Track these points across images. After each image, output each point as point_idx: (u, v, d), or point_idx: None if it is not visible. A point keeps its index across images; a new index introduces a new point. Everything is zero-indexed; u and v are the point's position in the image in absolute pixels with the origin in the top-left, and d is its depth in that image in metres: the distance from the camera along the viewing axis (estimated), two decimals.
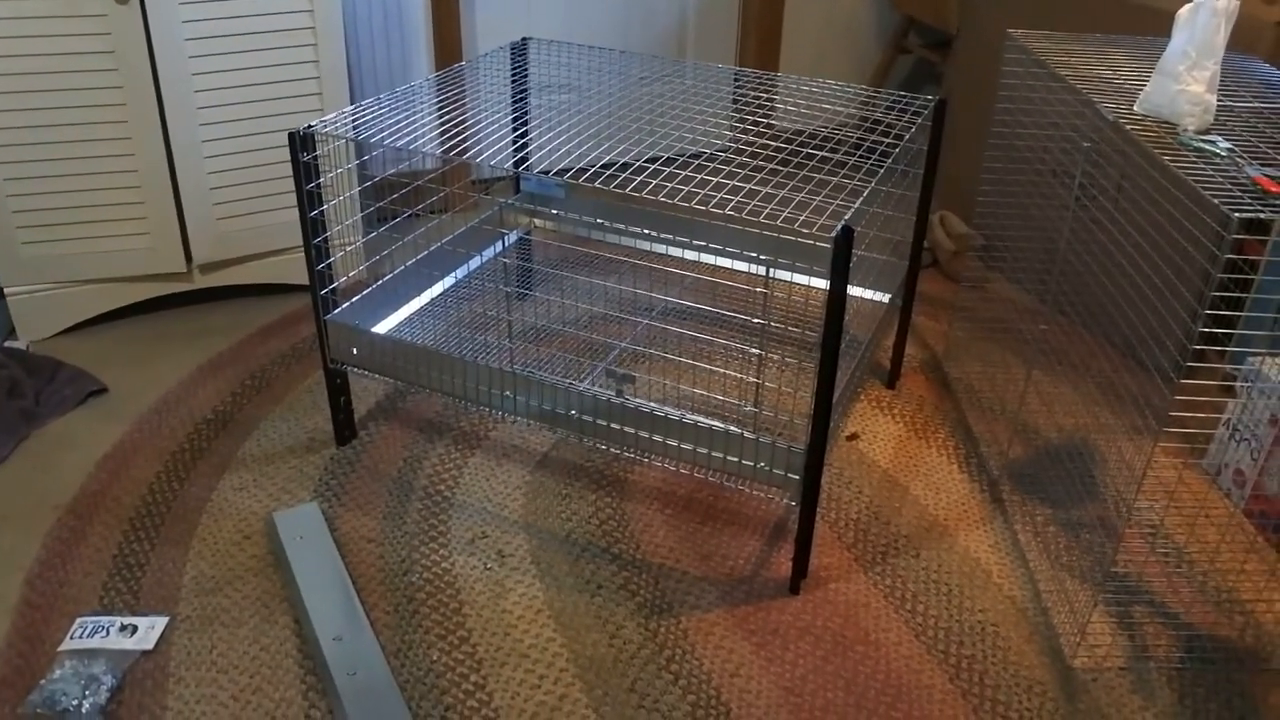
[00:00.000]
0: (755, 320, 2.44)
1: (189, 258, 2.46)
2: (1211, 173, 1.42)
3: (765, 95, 2.16)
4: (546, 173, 1.73)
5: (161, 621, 1.67)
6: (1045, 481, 2.07)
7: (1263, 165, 1.47)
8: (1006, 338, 2.52)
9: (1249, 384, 2.00)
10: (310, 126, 1.78)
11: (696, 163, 1.89)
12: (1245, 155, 1.50)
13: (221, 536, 1.85)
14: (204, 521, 1.89)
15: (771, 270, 2.22)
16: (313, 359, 2.37)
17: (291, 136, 1.76)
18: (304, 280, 2.61)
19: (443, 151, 1.74)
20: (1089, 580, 1.82)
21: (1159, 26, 2.27)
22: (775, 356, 2.41)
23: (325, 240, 1.88)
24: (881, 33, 3.55)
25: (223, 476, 2.00)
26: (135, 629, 1.65)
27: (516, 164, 2.30)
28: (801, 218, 1.50)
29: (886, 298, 2.14)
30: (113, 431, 2.12)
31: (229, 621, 1.67)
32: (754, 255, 2.20)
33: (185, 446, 2.08)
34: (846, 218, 1.48)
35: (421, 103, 1.98)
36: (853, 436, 2.18)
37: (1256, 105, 1.73)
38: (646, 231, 2.32)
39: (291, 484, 1.98)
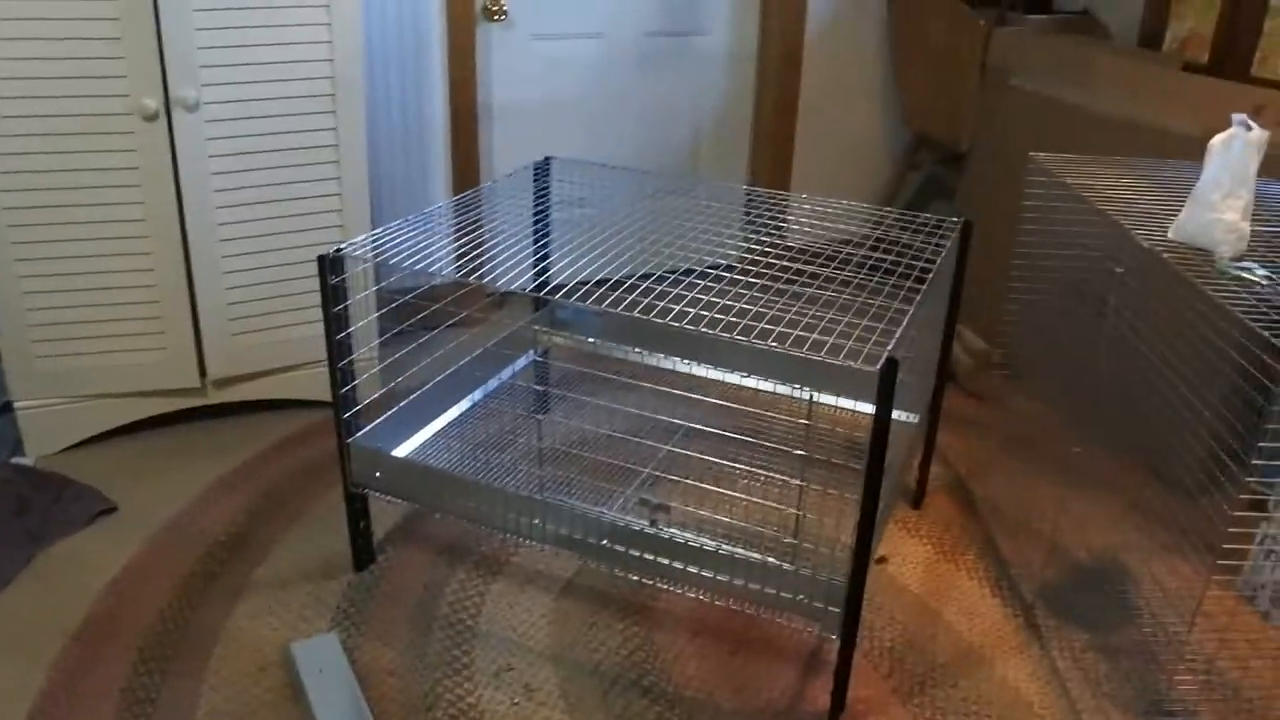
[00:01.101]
0: (797, 451, 2.41)
1: (203, 372, 2.43)
2: (1255, 302, 1.42)
3: (781, 214, 2.17)
4: (567, 289, 1.72)
5: None
6: (1080, 605, 2.02)
7: None
8: (1031, 455, 2.50)
9: None
10: (340, 249, 1.77)
11: (727, 277, 1.89)
12: None
13: (236, 668, 1.79)
14: (218, 651, 1.82)
15: (814, 396, 2.20)
16: (328, 476, 2.33)
17: (321, 260, 1.75)
18: (319, 396, 2.58)
19: (475, 277, 1.73)
20: (1133, 711, 1.77)
21: (1171, 149, 2.31)
22: (804, 483, 2.37)
23: (350, 362, 1.86)
24: (892, 148, 3.60)
25: (237, 603, 1.94)
26: None
27: (539, 286, 2.30)
28: (847, 346, 1.48)
29: (915, 418, 2.12)
30: (122, 553, 2.06)
31: None
32: (798, 384, 2.19)
33: (197, 570, 2.02)
34: (890, 348, 1.46)
35: (447, 223, 1.98)
36: (881, 560, 2.14)
37: None
38: (684, 361, 2.30)
39: (308, 611, 1.92)
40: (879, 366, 1.42)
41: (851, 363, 1.44)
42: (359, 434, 1.92)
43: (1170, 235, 1.64)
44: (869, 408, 2.17)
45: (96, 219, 2.20)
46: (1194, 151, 2.25)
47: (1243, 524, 1.56)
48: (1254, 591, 2.06)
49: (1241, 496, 1.34)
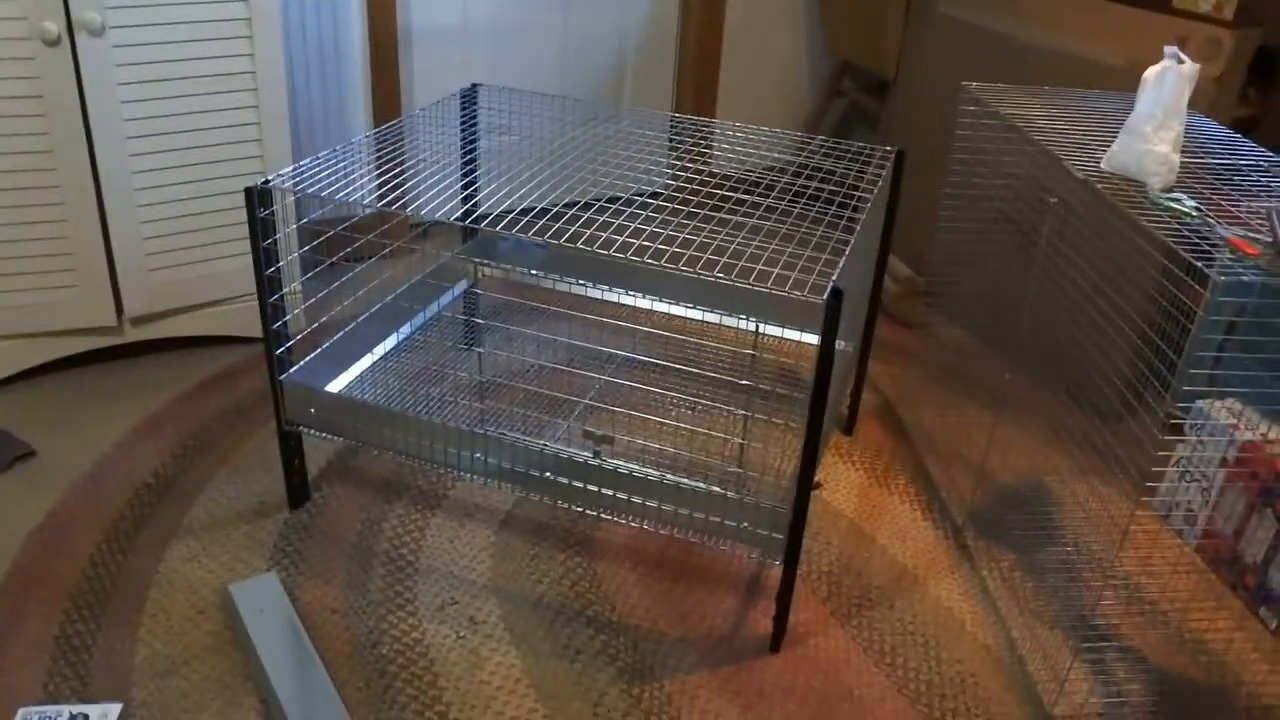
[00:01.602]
0: (742, 381, 2.42)
1: (120, 309, 2.34)
2: (1187, 234, 1.45)
3: (707, 142, 2.16)
4: (505, 220, 1.69)
5: (115, 709, 1.56)
6: (1006, 526, 2.09)
7: (1229, 224, 1.52)
8: (959, 382, 2.56)
9: (1200, 425, 2.06)
10: (268, 181, 1.70)
11: (660, 205, 1.88)
12: (1211, 213, 1.54)
13: (173, 612, 1.75)
14: (153, 596, 1.78)
15: (760, 327, 2.21)
16: (257, 415, 2.27)
17: (249, 192, 1.69)
18: (242, 331, 2.50)
19: (411, 209, 1.69)
20: (1059, 627, 1.84)
21: (1096, 79, 2.35)
22: (749, 413, 2.40)
23: (281, 297, 1.80)
24: (815, 75, 3.59)
25: (169, 546, 1.89)
26: (86, 718, 1.54)
27: (476, 219, 2.25)
28: (792, 277, 1.49)
29: (849, 346, 2.15)
30: (45, 499, 1.99)
31: (190, 706, 1.58)
32: (739, 314, 2.19)
33: (126, 514, 1.96)
34: (835, 278, 1.47)
35: (375, 153, 1.93)
36: (816, 485, 2.18)
37: (1208, 161, 1.79)
38: (628, 293, 2.27)
39: (245, 552, 1.89)
40: (825, 297, 1.43)
41: (798, 293, 1.45)
42: (291, 371, 1.87)
43: (1103, 166, 1.67)
44: (806, 336, 2.20)
45: None
46: (1118, 82, 2.29)
47: (1164, 447, 1.62)
48: (1168, 511, 2.15)
49: (1171, 422, 1.39)
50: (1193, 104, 2.16)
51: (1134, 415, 1.60)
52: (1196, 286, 1.43)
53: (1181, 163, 1.73)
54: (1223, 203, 1.61)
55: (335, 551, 1.91)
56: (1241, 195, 1.66)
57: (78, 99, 2.10)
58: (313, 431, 1.88)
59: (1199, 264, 1.35)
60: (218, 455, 2.14)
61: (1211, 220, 1.51)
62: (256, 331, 2.50)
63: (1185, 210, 1.54)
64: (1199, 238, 1.45)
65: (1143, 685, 1.74)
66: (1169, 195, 1.59)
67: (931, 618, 1.86)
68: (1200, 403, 2.07)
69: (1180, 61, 1.60)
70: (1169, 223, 1.49)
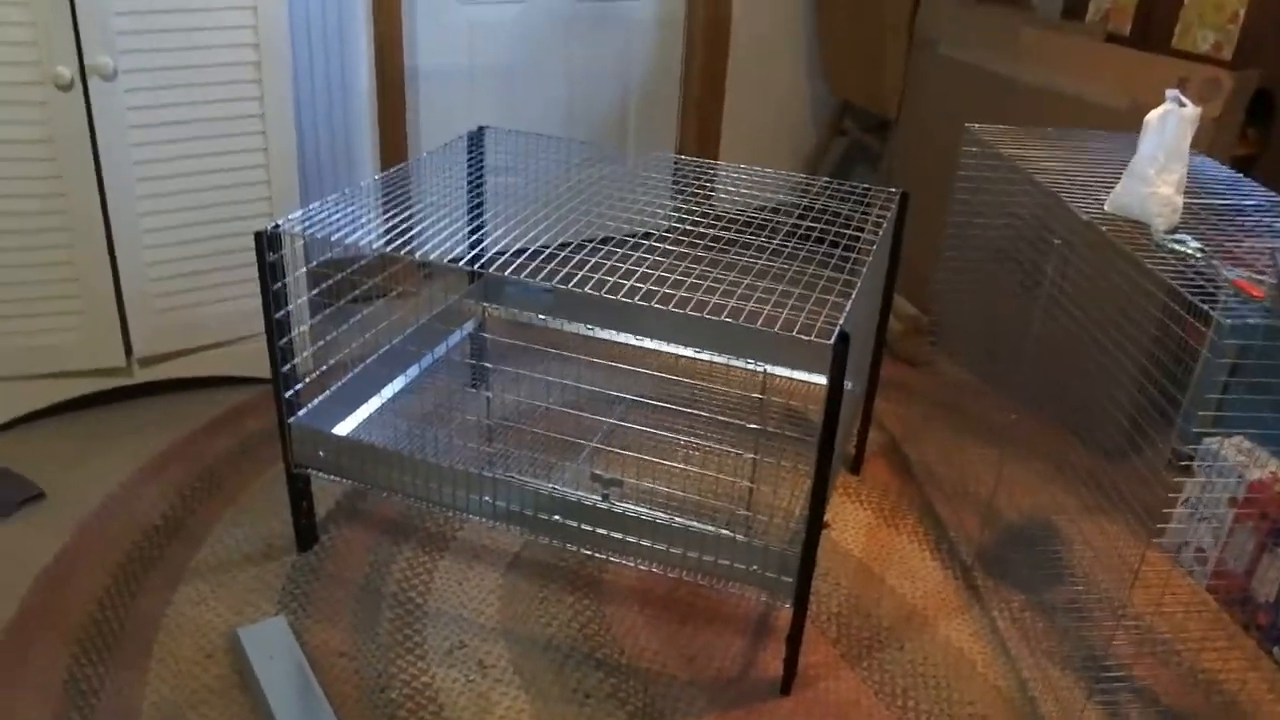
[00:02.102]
0: (750, 425, 2.43)
1: (128, 351, 2.35)
2: (1192, 275, 1.46)
3: (711, 182, 2.18)
4: (516, 266, 1.70)
5: None
6: (1014, 565, 2.09)
7: (1234, 266, 1.53)
8: (964, 420, 2.56)
9: (1210, 465, 2.05)
10: (278, 225, 1.72)
11: (678, 249, 1.89)
12: (1215, 254, 1.55)
13: (181, 655, 1.75)
14: (161, 639, 1.78)
15: (767, 370, 2.22)
16: (265, 456, 2.28)
17: (259, 236, 1.70)
18: (249, 372, 2.51)
19: (421, 254, 1.70)
20: (1071, 667, 1.83)
21: (1095, 120, 2.37)
22: (758, 455, 2.40)
23: (290, 341, 1.81)
24: (817, 115, 3.62)
25: (177, 588, 1.89)
26: None
27: (487, 262, 2.27)
28: (800, 320, 1.50)
29: (855, 386, 2.15)
30: (54, 541, 1.99)
31: None
32: (744, 356, 2.20)
33: (134, 556, 1.96)
34: (842, 321, 1.48)
35: (385, 196, 1.94)
36: (824, 526, 2.17)
37: (1209, 202, 1.80)
38: (636, 337, 2.28)
39: (253, 595, 1.89)
40: (833, 340, 1.44)
41: (806, 336, 1.46)
42: (300, 414, 1.88)
43: (1106, 208, 1.69)
44: (812, 377, 2.21)
45: (10, 193, 2.10)
46: (1119, 123, 2.31)
47: (1174, 487, 1.62)
48: (1178, 551, 2.15)
49: (1182, 463, 1.40)
50: (1193, 144, 2.18)
51: (1139, 454, 1.60)
52: (1201, 327, 1.44)
53: (1184, 203, 1.75)
54: (1226, 243, 1.62)
55: (343, 594, 1.90)
56: (1244, 235, 1.67)
57: (89, 142, 2.13)
58: (321, 474, 1.88)
59: (1205, 306, 1.35)
60: (225, 496, 2.14)
61: (1216, 262, 1.52)
62: (263, 371, 2.51)
63: (1189, 252, 1.55)
64: (1204, 279, 1.46)
65: None
66: (1173, 237, 1.60)
67: (942, 659, 1.85)
68: (1209, 441, 2.07)
69: (1182, 104, 1.61)
70: (1174, 265, 1.50)
